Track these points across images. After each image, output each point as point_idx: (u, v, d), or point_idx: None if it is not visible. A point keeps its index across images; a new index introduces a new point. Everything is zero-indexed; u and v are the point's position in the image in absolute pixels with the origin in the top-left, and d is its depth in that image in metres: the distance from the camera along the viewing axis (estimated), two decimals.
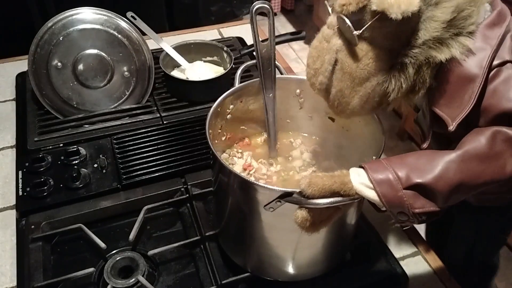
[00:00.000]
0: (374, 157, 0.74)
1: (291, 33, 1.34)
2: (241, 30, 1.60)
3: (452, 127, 0.64)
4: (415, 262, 0.93)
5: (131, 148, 1.10)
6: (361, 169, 0.65)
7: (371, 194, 0.63)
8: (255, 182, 0.71)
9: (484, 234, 0.98)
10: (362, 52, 0.65)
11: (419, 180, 0.61)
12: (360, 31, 0.63)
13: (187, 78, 1.26)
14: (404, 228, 0.92)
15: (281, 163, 0.91)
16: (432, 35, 0.62)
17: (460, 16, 0.63)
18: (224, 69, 1.29)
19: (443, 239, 1.05)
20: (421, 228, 1.00)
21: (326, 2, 0.71)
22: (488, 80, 0.65)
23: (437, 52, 0.63)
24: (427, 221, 0.65)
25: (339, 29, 0.67)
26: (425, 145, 0.74)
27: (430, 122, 0.72)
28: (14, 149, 1.14)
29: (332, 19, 0.68)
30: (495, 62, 0.65)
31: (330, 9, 0.69)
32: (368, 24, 0.62)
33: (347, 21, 0.63)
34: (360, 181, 0.64)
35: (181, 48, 1.30)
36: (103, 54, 1.18)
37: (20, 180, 1.01)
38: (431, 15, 0.62)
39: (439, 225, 1.02)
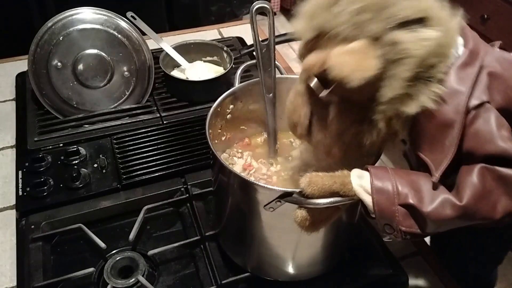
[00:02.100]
0: (374, 158, 0.74)
1: (291, 33, 1.34)
2: (241, 30, 1.60)
3: (435, 178, 0.62)
4: (415, 262, 0.93)
5: (131, 148, 1.10)
6: (365, 172, 0.65)
7: (367, 199, 0.64)
8: (255, 182, 0.71)
9: (481, 252, 0.98)
10: (333, 108, 0.66)
11: (415, 205, 0.62)
12: (325, 94, 0.63)
13: (187, 78, 1.26)
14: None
15: (281, 163, 0.91)
16: (395, 93, 0.61)
17: (425, 69, 0.61)
18: (224, 69, 1.29)
19: (443, 250, 1.05)
20: None
21: (297, 57, 0.72)
22: (467, 123, 0.63)
23: (405, 106, 0.62)
24: (410, 239, 0.66)
25: (307, 88, 0.67)
26: None
27: (416, 163, 0.70)
28: (14, 149, 1.14)
29: (302, 75, 0.68)
30: (473, 104, 0.62)
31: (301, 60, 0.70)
32: (330, 88, 0.62)
33: (312, 84, 0.64)
34: (360, 183, 0.64)
35: (181, 48, 1.30)
36: (103, 54, 1.18)
37: (20, 180, 1.01)
38: (393, 74, 0.60)
39: (435, 241, 1.02)
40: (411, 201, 0.62)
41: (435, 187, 0.63)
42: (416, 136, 0.67)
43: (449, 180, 0.65)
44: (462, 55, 0.65)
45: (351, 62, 0.58)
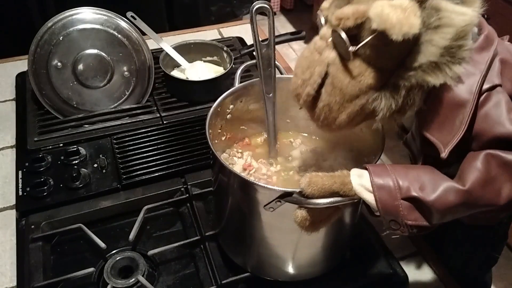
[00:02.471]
0: (374, 157, 0.74)
1: (291, 33, 1.34)
2: (241, 30, 1.60)
3: (444, 154, 0.63)
4: (415, 262, 0.93)
5: (131, 148, 1.10)
6: (364, 171, 0.65)
7: (369, 197, 0.63)
8: (255, 182, 0.71)
9: (475, 252, 0.98)
10: (355, 69, 0.64)
11: (418, 195, 0.62)
12: (356, 48, 0.62)
13: (187, 78, 1.26)
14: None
15: (281, 163, 0.91)
16: (428, 59, 0.61)
17: (456, 43, 0.61)
18: (224, 69, 1.29)
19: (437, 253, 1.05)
20: None
21: (319, 12, 0.69)
22: (479, 105, 0.64)
23: (431, 76, 0.62)
24: (417, 233, 0.65)
25: (332, 42, 0.65)
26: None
27: (421, 146, 0.71)
28: (14, 149, 1.14)
29: (325, 31, 0.66)
30: (485, 87, 0.64)
31: (323, 20, 0.67)
32: (365, 41, 0.61)
33: (343, 36, 0.62)
34: (360, 182, 0.64)
35: (181, 48, 1.30)
36: (103, 54, 1.18)
37: (20, 180, 1.01)
38: (430, 39, 0.60)
39: (432, 241, 1.02)
40: (413, 193, 0.62)
41: (435, 177, 0.63)
42: (426, 115, 0.67)
43: (451, 170, 0.65)
44: (479, 39, 0.66)
45: (395, 16, 0.56)
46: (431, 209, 0.62)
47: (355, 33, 0.62)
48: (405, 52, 0.62)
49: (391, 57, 0.62)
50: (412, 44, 0.61)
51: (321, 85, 0.67)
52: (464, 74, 0.63)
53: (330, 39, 0.65)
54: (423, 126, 0.68)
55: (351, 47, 0.62)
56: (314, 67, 0.67)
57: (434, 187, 0.62)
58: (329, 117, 0.69)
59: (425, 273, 0.92)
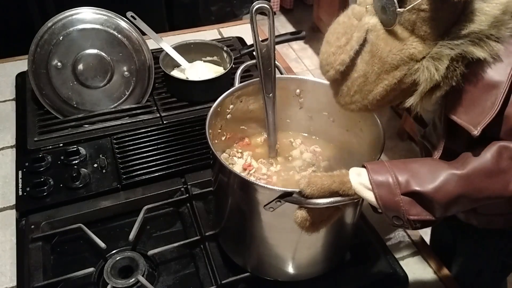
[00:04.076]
0: (374, 157, 0.74)
1: (291, 33, 1.34)
2: (241, 30, 1.60)
3: (477, 131, 0.60)
4: (415, 262, 0.93)
5: (131, 148, 1.10)
6: (363, 169, 0.65)
7: (369, 195, 0.63)
8: (255, 182, 0.71)
9: (489, 261, 0.96)
10: (397, 36, 0.61)
11: (418, 188, 0.61)
12: (405, 9, 0.59)
13: (187, 78, 1.26)
14: (405, 229, 0.92)
15: (281, 163, 0.91)
16: (479, 27, 0.59)
17: (502, 17, 0.60)
18: (224, 69, 1.29)
19: (449, 260, 1.02)
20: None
21: None
22: None
23: (476, 48, 0.60)
24: (421, 228, 0.64)
25: (373, 8, 0.62)
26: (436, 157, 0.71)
27: (444, 132, 0.68)
28: (14, 149, 1.13)
29: None
30: None
31: None
32: (417, 1, 0.58)
33: None
34: (359, 181, 0.64)
35: (181, 48, 1.30)
36: (103, 54, 1.18)
37: (20, 180, 1.01)
38: (479, 8, 0.59)
39: (441, 250, 0.99)
40: (413, 187, 0.61)
41: (434, 167, 0.62)
42: (453, 98, 0.64)
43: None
44: None
45: None
46: (433, 201, 0.61)
47: None
48: (451, 20, 0.60)
49: (436, 25, 0.60)
50: (458, 12, 0.60)
51: (357, 54, 0.64)
52: (500, 55, 0.61)
53: (370, 5, 0.62)
54: (450, 109, 0.65)
55: (399, 8, 0.59)
56: (352, 33, 0.63)
57: (434, 177, 0.61)
58: (363, 89, 0.65)
59: (425, 273, 0.92)
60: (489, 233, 0.90)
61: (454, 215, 0.91)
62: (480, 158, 0.61)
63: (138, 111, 1.21)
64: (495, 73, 0.62)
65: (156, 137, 1.14)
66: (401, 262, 0.91)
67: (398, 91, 0.65)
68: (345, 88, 0.67)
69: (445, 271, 0.92)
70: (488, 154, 0.61)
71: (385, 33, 0.62)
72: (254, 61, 0.86)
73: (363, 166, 0.65)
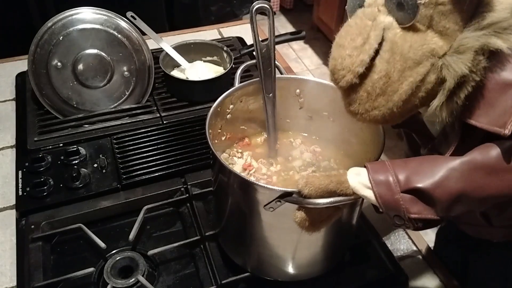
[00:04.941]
0: (374, 157, 0.74)
1: (291, 33, 1.34)
2: (241, 30, 1.60)
3: (508, 131, 0.57)
4: (415, 262, 0.93)
5: (131, 148, 1.10)
6: (363, 169, 0.64)
7: (369, 194, 0.63)
8: (255, 182, 0.71)
9: (510, 277, 0.90)
10: (416, 32, 0.60)
11: (417, 185, 0.60)
12: (426, 0, 0.57)
13: (187, 78, 1.26)
14: (407, 229, 0.90)
15: (281, 163, 0.91)
16: (501, 15, 0.57)
17: None
18: (224, 69, 1.29)
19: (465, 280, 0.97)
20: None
21: None
22: None
23: (498, 39, 0.58)
24: (423, 228, 0.63)
25: (386, 7, 0.61)
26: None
27: (459, 138, 0.65)
28: (14, 149, 1.13)
29: None
30: None
31: None
32: None
33: None
34: (358, 180, 0.64)
35: (181, 48, 1.30)
36: (103, 54, 1.18)
37: (20, 180, 1.01)
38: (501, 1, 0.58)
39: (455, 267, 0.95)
40: (413, 184, 0.60)
41: (434, 163, 0.61)
42: (468, 102, 0.61)
43: None
44: None
45: None
46: (433, 198, 0.60)
47: None
48: (470, 12, 0.59)
49: (455, 18, 0.59)
50: (477, 3, 0.59)
51: (374, 55, 0.61)
52: None
53: (382, 5, 0.61)
54: (466, 114, 0.62)
55: (419, 0, 0.57)
56: (367, 32, 0.61)
57: (433, 173, 0.60)
58: (386, 90, 0.61)
59: (425, 273, 0.92)
60: (506, 248, 0.86)
61: (463, 232, 0.88)
62: (484, 153, 0.60)
63: (138, 111, 1.21)
64: (510, 73, 0.60)
65: (156, 137, 1.14)
66: (401, 262, 0.91)
67: (424, 92, 0.62)
68: (364, 93, 0.63)
69: (445, 271, 0.92)
70: (494, 151, 0.59)
71: (402, 31, 0.60)
72: (254, 61, 0.86)
73: (364, 166, 0.65)
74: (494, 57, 0.60)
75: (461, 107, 0.62)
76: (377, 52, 0.61)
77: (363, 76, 0.62)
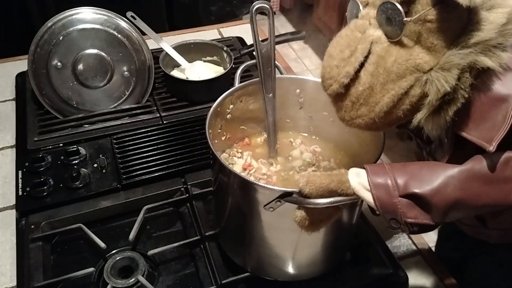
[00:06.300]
0: (374, 157, 0.74)
1: (291, 33, 1.34)
2: (241, 30, 1.60)
3: (492, 147, 0.58)
4: (415, 262, 0.93)
5: (131, 148, 1.10)
6: (362, 170, 0.65)
7: (367, 196, 0.63)
8: (255, 182, 0.71)
9: (505, 277, 0.91)
10: (403, 47, 0.61)
11: (415, 190, 0.60)
12: (413, 18, 0.58)
13: (187, 78, 1.26)
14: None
15: (281, 163, 0.91)
16: (488, 35, 0.58)
17: (506, 27, 0.59)
18: (224, 69, 1.29)
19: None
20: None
21: None
22: None
23: (485, 57, 0.59)
24: (418, 232, 0.64)
25: (376, 21, 0.62)
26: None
27: (450, 148, 0.67)
28: (14, 149, 1.14)
29: (367, 11, 0.64)
30: None
31: (361, 5, 0.64)
32: (425, 11, 0.58)
33: (398, 5, 0.58)
34: (358, 181, 0.64)
35: (181, 48, 1.30)
36: (103, 54, 1.18)
37: (20, 180, 1.01)
38: (484, 18, 0.59)
39: (449, 270, 0.95)
40: (411, 189, 0.60)
41: (433, 169, 0.61)
42: (459, 114, 0.63)
43: None
44: None
45: None
46: (431, 204, 0.60)
47: (407, 9, 0.59)
48: (459, 30, 0.60)
49: (443, 35, 0.60)
50: (466, 22, 0.59)
51: (360, 67, 0.63)
52: (506, 67, 0.60)
53: (373, 18, 0.62)
54: (458, 126, 0.64)
55: (406, 17, 0.58)
56: (356, 45, 0.63)
57: (432, 179, 0.60)
58: (369, 101, 0.64)
59: (425, 273, 0.92)
60: (504, 248, 0.87)
61: (462, 231, 0.89)
62: (483, 162, 0.60)
63: (138, 111, 1.21)
64: (503, 86, 0.61)
65: (156, 137, 1.14)
66: (401, 262, 0.91)
67: (408, 104, 0.63)
68: (349, 102, 0.65)
69: (445, 271, 0.92)
70: (491, 162, 0.60)
71: (390, 45, 0.62)
72: (254, 61, 0.86)
73: (363, 168, 0.65)
74: (484, 72, 0.61)
75: (451, 121, 0.63)
76: (363, 64, 0.63)
77: (348, 86, 0.64)
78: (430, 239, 1.03)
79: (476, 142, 0.61)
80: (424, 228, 0.63)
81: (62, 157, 1.07)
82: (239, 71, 0.92)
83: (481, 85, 0.61)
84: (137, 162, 1.07)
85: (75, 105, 1.19)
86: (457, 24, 0.59)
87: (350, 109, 0.66)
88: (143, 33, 1.25)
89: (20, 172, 1.03)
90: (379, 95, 0.63)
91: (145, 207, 0.96)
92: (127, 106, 1.22)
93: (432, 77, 0.61)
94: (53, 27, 1.15)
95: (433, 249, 0.98)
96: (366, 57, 0.63)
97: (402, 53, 0.61)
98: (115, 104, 1.21)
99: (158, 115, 1.21)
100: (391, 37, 0.61)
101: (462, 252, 1.00)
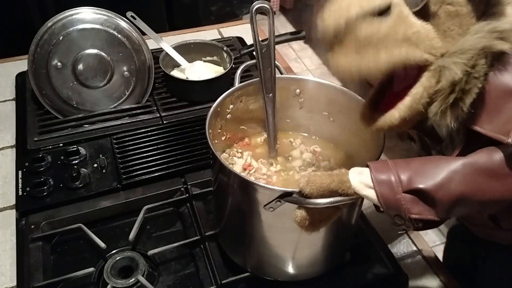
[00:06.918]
0: (374, 157, 0.74)
1: (291, 33, 1.34)
2: (241, 30, 1.60)
3: (511, 139, 0.58)
4: (415, 262, 0.93)
5: (131, 148, 1.10)
6: (365, 168, 0.64)
7: (370, 193, 0.63)
8: (255, 182, 0.71)
9: None
10: (417, 23, 0.59)
11: (419, 186, 0.60)
12: None
13: (187, 78, 1.26)
14: (399, 232, 0.91)
15: (281, 163, 0.91)
16: (503, 25, 0.58)
17: None
18: (224, 69, 1.29)
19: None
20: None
21: None
22: None
23: (499, 41, 0.58)
24: (423, 229, 0.63)
25: None
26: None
27: (463, 143, 0.66)
28: (14, 149, 1.14)
29: None
30: None
31: None
32: None
33: None
34: (360, 179, 0.64)
35: (181, 48, 1.30)
36: (103, 54, 1.18)
37: (20, 180, 1.01)
38: (502, 10, 0.59)
39: (458, 274, 0.94)
40: (415, 184, 0.60)
41: (436, 164, 0.61)
42: (474, 108, 0.62)
43: None
44: None
45: None
46: (435, 199, 0.60)
47: None
48: (476, 19, 0.60)
49: (460, 21, 0.59)
50: (483, 11, 0.59)
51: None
52: None
53: None
54: (471, 120, 0.63)
55: None
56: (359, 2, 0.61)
57: (435, 174, 0.60)
58: (378, 45, 0.61)
59: (425, 273, 0.92)
60: None
61: (472, 233, 0.89)
62: (487, 156, 0.60)
63: (138, 111, 1.21)
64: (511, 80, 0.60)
65: (156, 137, 1.14)
66: (401, 262, 0.91)
67: (427, 97, 0.62)
68: (354, 42, 0.62)
69: (445, 271, 0.91)
70: (498, 155, 0.60)
71: (408, 12, 0.60)
72: (254, 61, 0.86)
73: (367, 166, 0.65)
74: (499, 62, 0.60)
75: (466, 113, 0.62)
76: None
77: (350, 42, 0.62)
78: (430, 239, 1.03)
79: (492, 136, 0.60)
80: (428, 224, 0.63)
81: (62, 157, 1.07)
82: (239, 71, 0.92)
83: (495, 76, 0.61)
84: (137, 162, 1.07)
85: (75, 105, 1.19)
86: (474, 13, 0.59)
87: (353, 50, 0.62)
88: (143, 33, 1.25)
89: (20, 172, 1.03)
90: (390, 44, 0.60)
91: (145, 207, 0.96)
92: (127, 106, 1.22)
93: (447, 62, 0.60)
94: (53, 27, 1.15)
95: (433, 249, 0.98)
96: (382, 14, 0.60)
97: (416, 23, 0.59)
98: (115, 104, 1.22)
99: (158, 115, 1.21)
100: (410, 6, 0.60)
101: (473, 255, 0.98)
